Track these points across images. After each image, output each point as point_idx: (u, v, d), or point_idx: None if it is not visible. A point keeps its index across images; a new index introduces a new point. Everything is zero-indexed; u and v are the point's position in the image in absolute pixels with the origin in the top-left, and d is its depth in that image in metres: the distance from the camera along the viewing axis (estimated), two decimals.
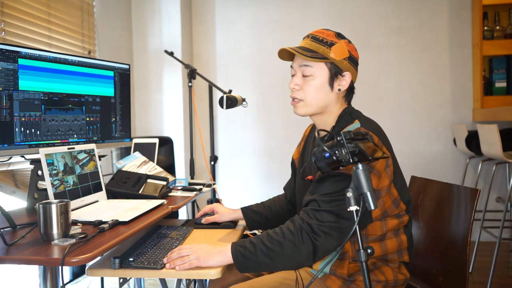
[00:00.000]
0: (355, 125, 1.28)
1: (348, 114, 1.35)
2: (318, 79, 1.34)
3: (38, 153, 1.42)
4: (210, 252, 1.23)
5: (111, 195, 1.70)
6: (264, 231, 1.27)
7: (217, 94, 3.51)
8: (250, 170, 3.98)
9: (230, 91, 2.59)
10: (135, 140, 2.15)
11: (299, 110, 1.38)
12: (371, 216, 1.27)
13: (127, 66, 2.11)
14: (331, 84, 1.34)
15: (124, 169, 1.85)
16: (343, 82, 1.35)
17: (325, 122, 1.39)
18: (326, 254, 1.23)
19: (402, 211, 1.35)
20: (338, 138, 1.04)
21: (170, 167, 2.57)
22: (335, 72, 1.34)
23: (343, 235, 1.20)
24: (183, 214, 3.12)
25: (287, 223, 1.26)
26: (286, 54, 1.39)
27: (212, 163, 3.00)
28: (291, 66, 1.41)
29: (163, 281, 2.00)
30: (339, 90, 1.35)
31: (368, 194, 1.01)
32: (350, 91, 1.40)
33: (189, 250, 1.24)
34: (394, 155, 1.33)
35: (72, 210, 1.39)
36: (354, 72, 1.38)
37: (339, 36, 1.36)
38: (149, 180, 1.77)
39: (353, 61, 1.36)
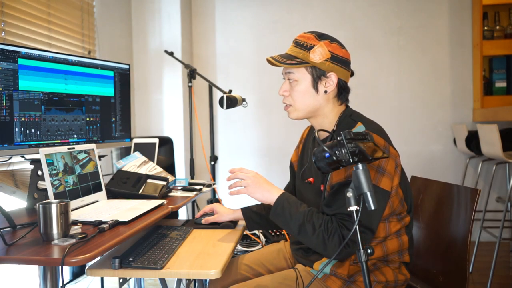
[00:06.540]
0: (360, 128, 1.28)
1: (349, 117, 1.34)
2: (302, 84, 1.35)
3: (38, 153, 1.42)
4: (262, 187, 1.33)
5: (111, 195, 1.70)
6: (312, 208, 1.28)
7: (217, 94, 3.51)
8: None
9: (230, 91, 2.59)
10: (135, 140, 2.15)
11: (290, 115, 1.41)
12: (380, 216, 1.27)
13: (127, 66, 2.11)
14: (315, 87, 1.34)
15: (124, 169, 1.85)
16: (330, 83, 1.34)
17: (321, 123, 1.39)
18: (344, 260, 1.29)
19: (405, 211, 1.35)
20: (338, 138, 1.04)
21: (170, 167, 2.57)
22: (317, 75, 1.33)
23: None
24: (183, 214, 3.12)
25: (328, 218, 1.24)
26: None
27: (212, 163, 3.00)
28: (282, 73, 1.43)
29: (163, 281, 2.00)
30: (325, 92, 1.34)
31: (368, 194, 1.01)
32: (341, 91, 1.37)
33: (246, 175, 1.36)
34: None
35: (72, 210, 1.39)
36: (342, 71, 1.34)
37: (321, 37, 1.34)
38: (149, 180, 1.77)
39: (337, 60, 1.33)
